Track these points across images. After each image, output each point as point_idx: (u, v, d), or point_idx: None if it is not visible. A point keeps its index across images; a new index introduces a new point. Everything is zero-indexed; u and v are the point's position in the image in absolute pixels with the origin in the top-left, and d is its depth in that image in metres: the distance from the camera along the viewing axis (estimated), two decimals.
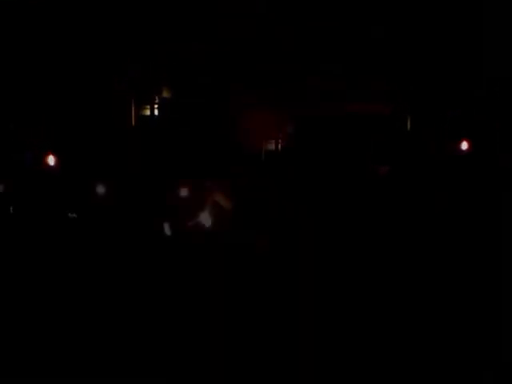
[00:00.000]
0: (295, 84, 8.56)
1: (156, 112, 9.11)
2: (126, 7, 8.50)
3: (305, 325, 5.64)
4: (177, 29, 8.53)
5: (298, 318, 5.72)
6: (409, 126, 8.58)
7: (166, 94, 8.99)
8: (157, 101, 9.04)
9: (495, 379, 5.09)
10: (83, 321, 5.79)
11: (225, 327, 5.64)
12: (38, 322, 5.75)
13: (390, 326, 5.73)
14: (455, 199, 7.58)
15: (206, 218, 7.26)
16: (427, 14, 8.07)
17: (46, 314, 5.89)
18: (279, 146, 8.95)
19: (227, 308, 5.90)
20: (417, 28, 8.15)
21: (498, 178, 7.70)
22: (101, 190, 7.73)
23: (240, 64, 8.62)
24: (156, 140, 8.76)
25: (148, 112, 9.10)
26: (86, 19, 8.51)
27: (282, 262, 6.61)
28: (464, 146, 7.99)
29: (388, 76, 8.44)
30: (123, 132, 8.78)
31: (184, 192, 7.65)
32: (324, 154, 8.38)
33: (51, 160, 8.03)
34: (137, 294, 6.26)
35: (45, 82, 8.67)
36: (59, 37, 8.57)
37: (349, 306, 6.04)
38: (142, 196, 7.78)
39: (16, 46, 8.54)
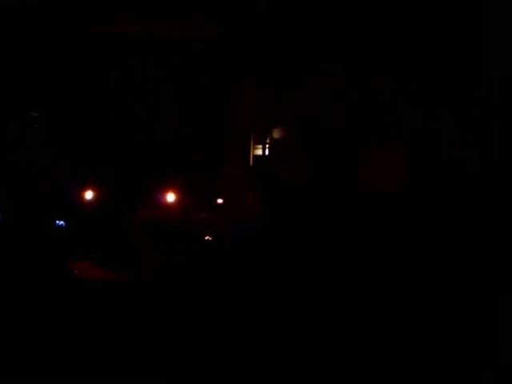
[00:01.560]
0: (295, 84, 8.55)
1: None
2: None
3: (305, 324, 5.64)
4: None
5: (298, 318, 5.73)
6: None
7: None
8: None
9: (495, 379, 5.10)
10: (82, 321, 5.79)
11: (224, 326, 5.64)
12: (37, 322, 5.75)
13: (389, 326, 5.74)
14: (455, 200, 7.57)
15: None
16: (427, 14, 8.06)
17: (46, 313, 5.89)
18: (267, 151, 8.94)
19: (227, 307, 5.90)
20: (417, 28, 8.14)
21: (499, 179, 7.70)
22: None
23: (240, 64, 8.61)
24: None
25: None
26: (87, 18, 8.50)
27: (282, 262, 6.61)
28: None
29: (388, 76, 8.43)
30: (122, 133, 8.77)
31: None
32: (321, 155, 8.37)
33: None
34: (135, 292, 6.27)
35: (45, 82, 8.67)
36: (60, 37, 8.57)
37: (348, 305, 6.05)
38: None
39: (18, 46, 8.53)
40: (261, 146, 8.93)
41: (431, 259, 6.68)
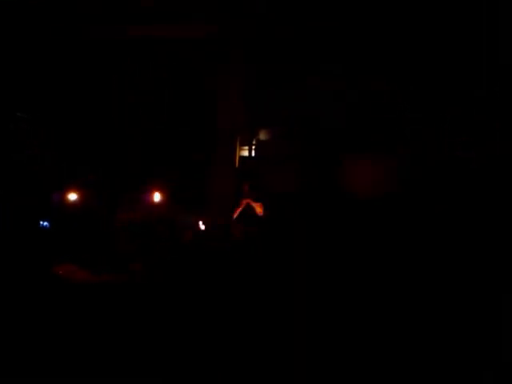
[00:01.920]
0: (295, 84, 8.56)
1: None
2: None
3: (299, 325, 5.64)
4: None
5: (292, 319, 5.72)
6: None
7: None
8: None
9: (495, 379, 5.10)
10: (81, 322, 5.79)
11: (219, 327, 5.65)
12: (36, 323, 5.74)
13: (388, 326, 5.73)
14: (455, 200, 7.57)
15: None
16: (427, 14, 8.07)
17: (45, 314, 5.88)
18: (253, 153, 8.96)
19: (221, 307, 5.91)
20: (416, 28, 8.14)
21: (499, 179, 7.70)
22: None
23: (240, 64, 8.63)
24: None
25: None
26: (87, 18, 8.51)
27: (275, 262, 6.59)
28: None
29: (388, 76, 8.43)
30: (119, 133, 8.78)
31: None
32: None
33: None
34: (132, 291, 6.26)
35: (45, 84, 8.69)
36: (62, 38, 8.59)
37: (344, 306, 6.04)
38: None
39: (19, 46, 8.55)
40: (247, 148, 8.96)
41: (430, 259, 6.67)
